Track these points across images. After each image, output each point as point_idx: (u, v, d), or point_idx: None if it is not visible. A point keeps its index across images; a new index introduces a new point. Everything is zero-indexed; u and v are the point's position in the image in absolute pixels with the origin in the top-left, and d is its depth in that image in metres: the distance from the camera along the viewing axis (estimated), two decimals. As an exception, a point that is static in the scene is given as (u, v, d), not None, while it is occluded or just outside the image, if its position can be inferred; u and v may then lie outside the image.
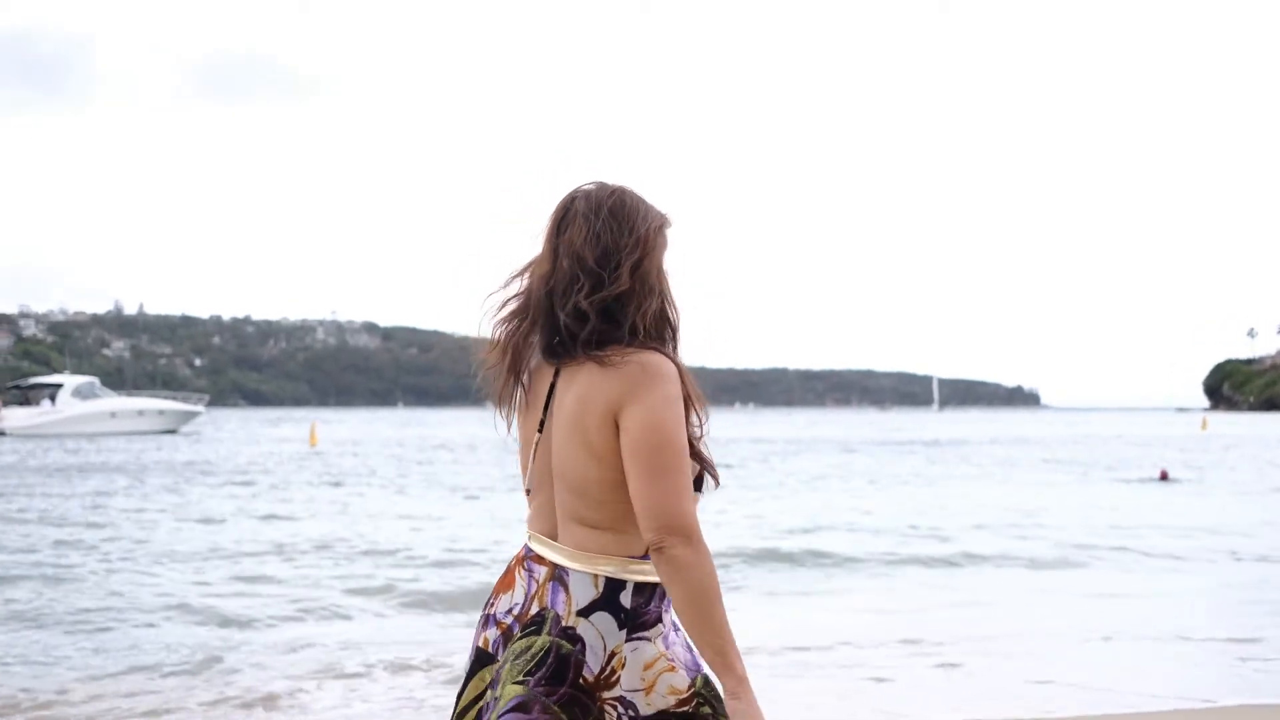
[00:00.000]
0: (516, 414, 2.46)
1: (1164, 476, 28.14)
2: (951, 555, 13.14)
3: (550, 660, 2.26)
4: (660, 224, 2.41)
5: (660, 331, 2.37)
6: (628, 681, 2.29)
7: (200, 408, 66.51)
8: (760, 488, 23.94)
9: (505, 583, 2.41)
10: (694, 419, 2.34)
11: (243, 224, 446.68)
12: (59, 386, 58.06)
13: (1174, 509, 19.98)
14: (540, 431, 2.39)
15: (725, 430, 62.64)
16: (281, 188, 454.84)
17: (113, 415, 58.50)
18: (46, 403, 57.08)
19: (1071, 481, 27.77)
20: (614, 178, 2.45)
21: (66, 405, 57.01)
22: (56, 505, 19.52)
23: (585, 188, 2.42)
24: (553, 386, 2.37)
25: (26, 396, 58.25)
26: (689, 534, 2.19)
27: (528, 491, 2.43)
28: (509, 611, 2.36)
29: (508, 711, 2.25)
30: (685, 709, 2.31)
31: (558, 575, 2.32)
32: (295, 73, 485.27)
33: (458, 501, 20.79)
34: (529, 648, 2.28)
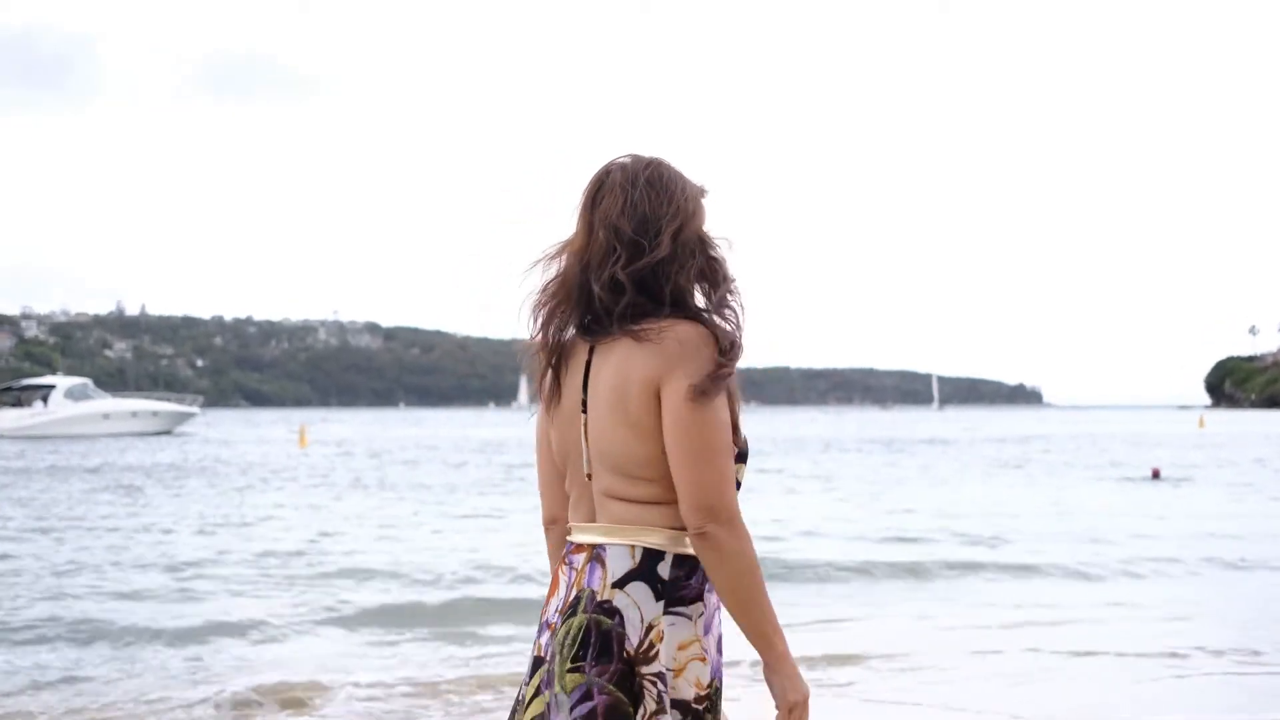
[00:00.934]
0: (546, 398, 2.37)
1: (1156, 475, 27.99)
2: (909, 563, 12.74)
3: (593, 639, 2.21)
4: (698, 194, 2.35)
5: (714, 291, 2.27)
6: (664, 658, 2.22)
7: (195, 409, 66.46)
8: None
9: (552, 587, 2.37)
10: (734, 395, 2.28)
11: (244, 224, 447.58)
12: (51, 388, 57.94)
13: (1157, 509, 19.69)
14: (585, 412, 2.30)
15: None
16: (283, 188, 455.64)
17: (105, 417, 58.40)
18: (39, 404, 56.91)
19: (1060, 481, 27.47)
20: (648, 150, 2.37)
21: (59, 407, 56.86)
22: (5, 509, 19.23)
23: (620, 160, 2.35)
24: (588, 365, 2.30)
25: (19, 398, 58.06)
26: (732, 519, 2.17)
27: (589, 476, 2.32)
28: (557, 610, 2.31)
29: (577, 704, 2.20)
30: (699, 707, 2.24)
31: (595, 555, 2.28)
32: (295, 73, 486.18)
33: (427, 509, 20.33)
34: (569, 631, 2.24)
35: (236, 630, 8.90)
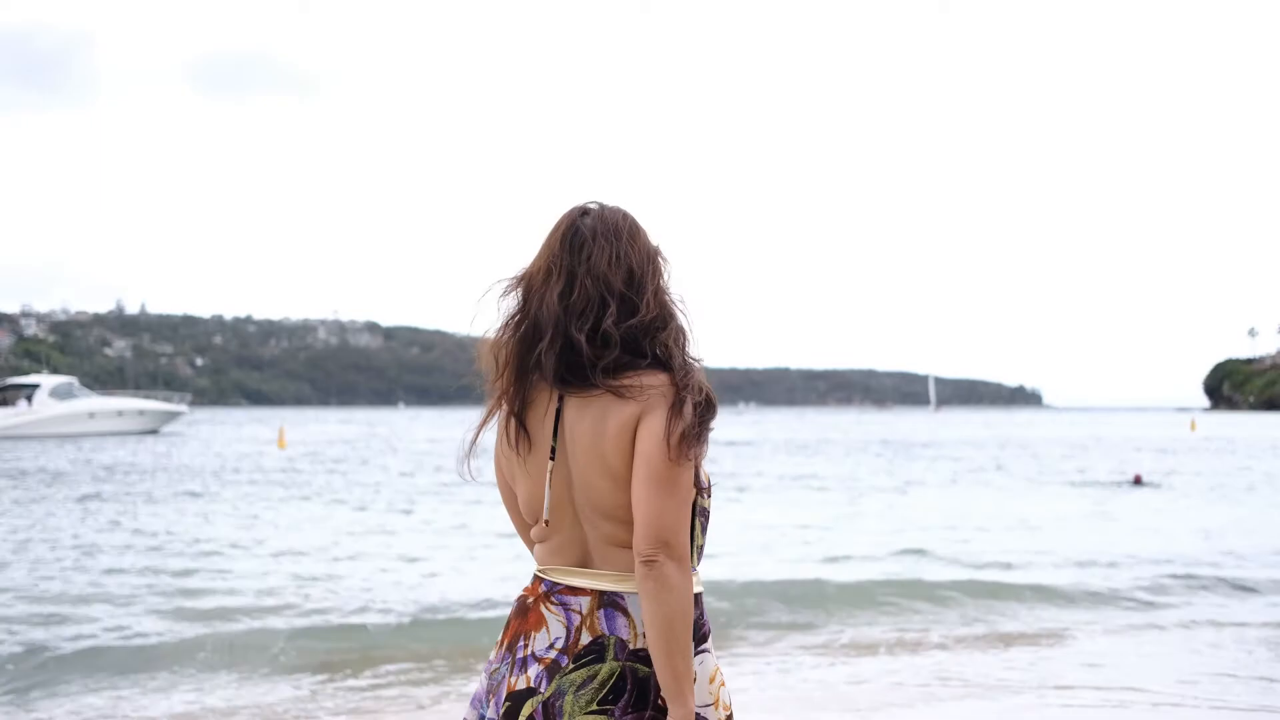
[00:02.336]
0: (514, 444, 2.32)
1: (1138, 481, 27.61)
2: (802, 583, 11.75)
3: (629, 686, 2.23)
4: (658, 252, 2.37)
5: (681, 351, 2.30)
6: (699, 695, 2.28)
7: (183, 407, 66.31)
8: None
9: (534, 621, 2.33)
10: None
11: (244, 223, 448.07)
12: (36, 387, 57.68)
13: (1125, 520, 19.17)
14: (553, 459, 2.29)
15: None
16: (283, 186, 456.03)
17: (91, 416, 58.21)
18: (23, 403, 56.66)
19: (1035, 487, 26.99)
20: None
21: (43, 406, 56.61)
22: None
23: (589, 205, 2.35)
24: (559, 413, 2.28)
25: (4, 397, 57.85)
26: (683, 558, 2.19)
27: (546, 522, 2.32)
28: (550, 647, 2.29)
29: None
30: None
31: (609, 601, 2.28)
32: (295, 71, 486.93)
33: (372, 518, 19.78)
34: (594, 676, 2.25)
35: (70, 664, 8.34)
